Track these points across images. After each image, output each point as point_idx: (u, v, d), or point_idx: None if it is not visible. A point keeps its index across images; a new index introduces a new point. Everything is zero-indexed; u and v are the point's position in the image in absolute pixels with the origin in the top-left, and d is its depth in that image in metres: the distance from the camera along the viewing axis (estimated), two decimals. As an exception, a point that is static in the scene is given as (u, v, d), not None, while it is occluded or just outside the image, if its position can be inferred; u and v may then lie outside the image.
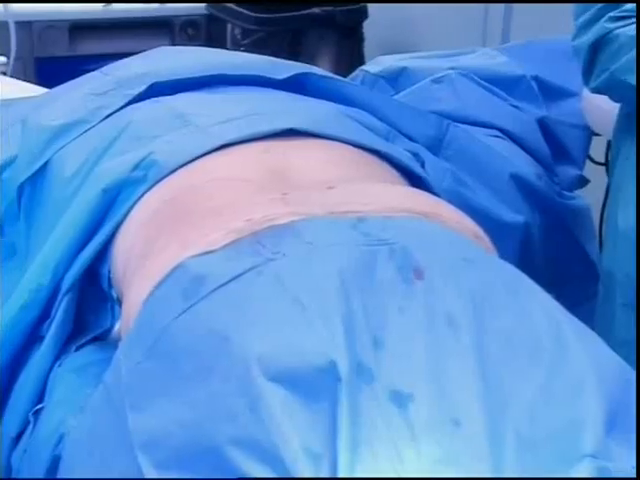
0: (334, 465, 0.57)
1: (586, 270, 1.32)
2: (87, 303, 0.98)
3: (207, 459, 0.60)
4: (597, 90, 1.13)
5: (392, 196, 0.85)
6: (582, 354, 0.64)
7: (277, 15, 2.42)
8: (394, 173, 1.00)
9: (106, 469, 0.66)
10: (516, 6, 2.18)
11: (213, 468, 0.60)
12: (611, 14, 1.07)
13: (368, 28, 2.49)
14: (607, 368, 0.65)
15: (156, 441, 0.63)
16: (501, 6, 2.21)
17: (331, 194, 0.83)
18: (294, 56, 2.20)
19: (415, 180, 1.02)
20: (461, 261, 0.72)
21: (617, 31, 1.06)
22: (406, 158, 1.03)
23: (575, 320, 0.70)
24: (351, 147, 1.00)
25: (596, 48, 1.08)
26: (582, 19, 1.10)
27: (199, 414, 0.62)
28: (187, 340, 0.67)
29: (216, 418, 0.61)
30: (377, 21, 2.49)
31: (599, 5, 1.08)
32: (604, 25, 1.07)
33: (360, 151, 1.00)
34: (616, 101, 1.15)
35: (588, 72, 1.11)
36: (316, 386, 0.60)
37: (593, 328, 0.73)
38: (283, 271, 0.69)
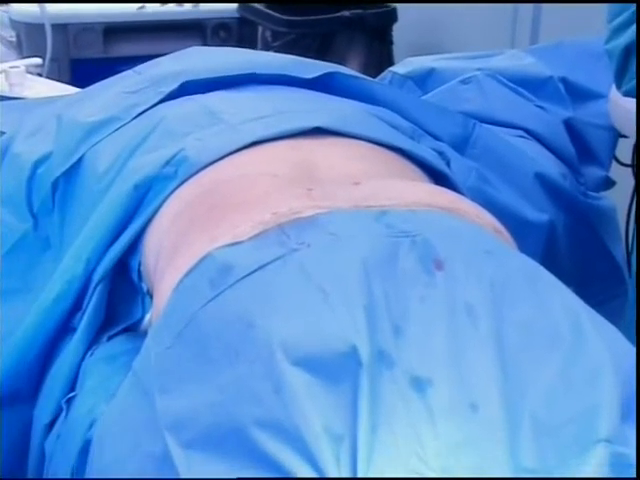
0: (354, 446, 0.59)
1: (611, 270, 1.33)
2: (118, 295, 1.00)
3: (232, 440, 0.62)
4: (629, 94, 1.13)
5: (415, 192, 0.86)
6: (599, 343, 0.66)
7: (307, 18, 2.44)
8: (418, 171, 1.02)
9: (134, 449, 0.69)
10: (545, 8, 2.19)
11: (237, 448, 0.62)
12: None
13: (398, 31, 2.51)
14: (623, 357, 0.66)
15: (183, 422, 0.65)
16: (530, 8, 2.22)
17: (356, 189, 0.85)
18: (324, 58, 2.21)
19: (440, 178, 1.04)
20: (481, 253, 0.73)
21: None
22: (431, 156, 1.05)
23: (592, 311, 0.72)
24: (376, 145, 1.01)
25: (629, 52, 1.08)
26: (616, 22, 1.10)
27: (225, 397, 0.64)
28: (214, 326, 0.69)
29: (241, 401, 0.63)
30: (407, 24, 2.50)
31: (633, 8, 1.08)
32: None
33: (385, 149, 1.01)
34: None
35: (620, 76, 1.11)
36: (338, 370, 0.62)
37: (618, 327, 0.74)
38: (307, 261, 0.71)
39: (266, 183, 0.89)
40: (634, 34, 1.07)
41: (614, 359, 0.65)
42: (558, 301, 0.70)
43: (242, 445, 0.62)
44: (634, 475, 0.60)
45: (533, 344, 0.65)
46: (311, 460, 0.59)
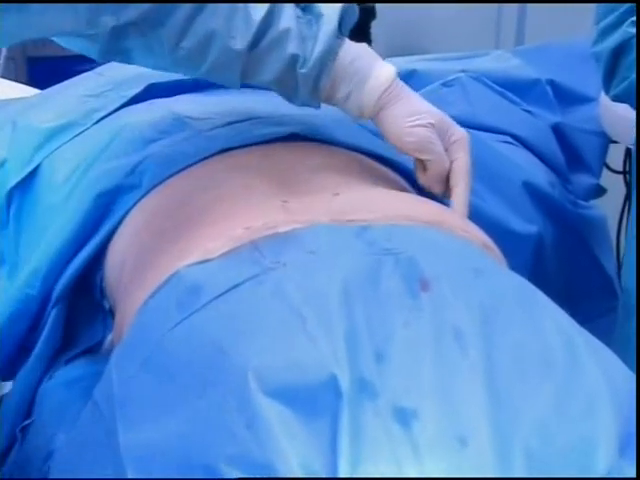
0: None
1: (602, 284, 1.32)
2: (78, 314, 0.98)
3: (201, 477, 0.60)
4: (618, 98, 1.12)
5: (398, 204, 0.85)
6: (595, 370, 0.65)
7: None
8: (400, 180, 1.00)
9: None
10: (530, 7, 2.19)
11: None
12: (634, 18, 1.06)
13: (376, 29, 2.50)
14: (621, 385, 0.65)
15: (148, 457, 0.63)
16: (514, 7, 2.22)
17: (334, 202, 0.84)
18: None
19: (423, 188, 1.02)
20: (470, 272, 0.72)
21: None
22: (413, 164, 1.04)
23: (587, 334, 0.70)
24: (355, 153, 1.00)
25: (618, 54, 1.08)
26: (604, 23, 1.09)
27: (194, 430, 0.62)
28: (182, 353, 0.67)
29: (212, 435, 0.61)
30: (386, 21, 2.50)
31: (622, 9, 1.07)
32: (627, 30, 1.07)
33: (365, 157, 1.00)
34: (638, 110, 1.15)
35: (609, 79, 1.11)
36: (316, 402, 0.60)
37: (609, 344, 0.73)
38: (284, 281, 0.69)
39: (238, 195, 0.87)
40: (622, 36, 1.07)
41: (611, 388, 0.64)
42: (551, 323, 0.68)
43: None
44: None
45: (526, 372, 0.64)
46: None
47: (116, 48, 0.91)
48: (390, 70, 0.95)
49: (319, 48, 0.92)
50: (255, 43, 0.91)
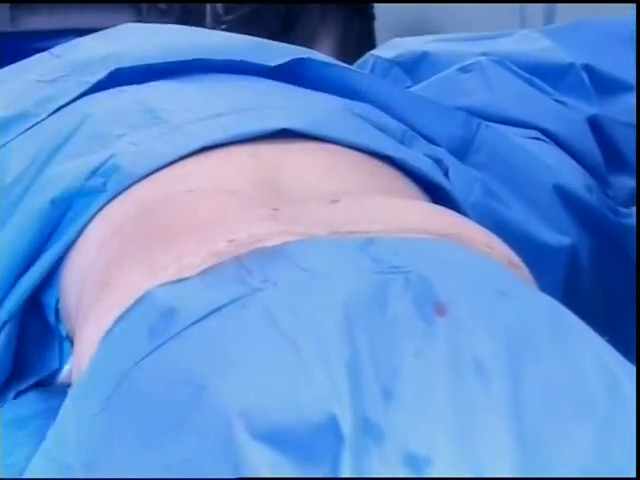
0: None
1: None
2: (30, 340, 0.99)
3: None
4: None
5: (408, 213, 0.86)
6: None
7: (268, -15, 2.44)
8: (410, 184, 1.01)
9: None
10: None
11: None
12: None
13: (380, 4, 2.51)
14: None
15: None
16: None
17: (333, 210, 0.85)
18: (289, 37, 2.22)
19: (436, 192, 1.03)
20: (492, 293, 0.72)
21: None
22: (425, 165, 1.05)
23: (630, 366, 0.71)
24: (358, 152, 1.01)
25: None
26: None
27: (170, 479, 0.63)
28: (154, 388, 0.68)
29: None
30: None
31: None
32: None
33: (369, 157, 1.01)
34: None
35: None
36: (313, 447, 0.61)
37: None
38: (273, 304, 0.70)
39: (220, 201, 0.88)
40: None
41: None
42: (589, 354, 0.69)
43: None
44: None
45: (559, 411, 0.64)
46: None
47: None
48: None
49: None
50: None
